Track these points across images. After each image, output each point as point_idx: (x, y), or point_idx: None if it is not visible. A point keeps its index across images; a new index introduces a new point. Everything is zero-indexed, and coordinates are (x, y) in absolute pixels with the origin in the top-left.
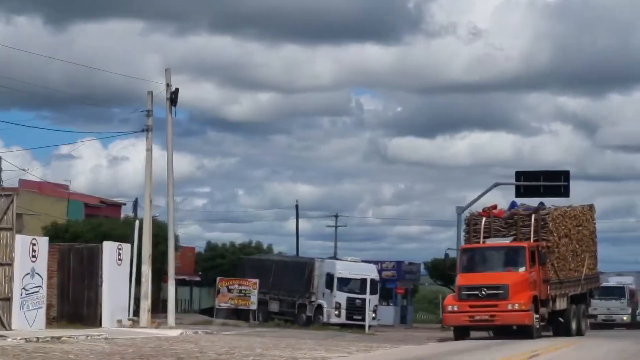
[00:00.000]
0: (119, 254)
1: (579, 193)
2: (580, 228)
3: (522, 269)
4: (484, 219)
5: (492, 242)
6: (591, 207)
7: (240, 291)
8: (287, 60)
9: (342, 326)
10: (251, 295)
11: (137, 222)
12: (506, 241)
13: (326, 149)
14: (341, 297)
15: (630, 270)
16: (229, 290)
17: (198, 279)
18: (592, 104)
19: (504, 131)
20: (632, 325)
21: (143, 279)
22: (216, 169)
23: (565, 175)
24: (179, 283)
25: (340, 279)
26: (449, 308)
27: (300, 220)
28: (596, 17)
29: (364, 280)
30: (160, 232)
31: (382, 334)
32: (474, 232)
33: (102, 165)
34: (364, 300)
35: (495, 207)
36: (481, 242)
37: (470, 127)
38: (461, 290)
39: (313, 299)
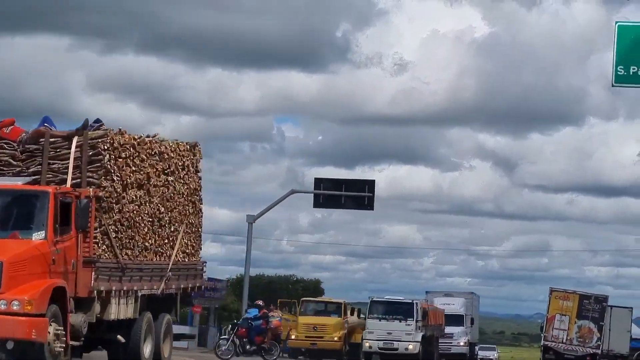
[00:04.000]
0: None
1: (495, 230)
2: (171, 179)
3: (38, 235)
4: None
5: None
6: (194, 148)
7: None
8: (212, 83)
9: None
10: None
11: None
12: (18, 182)
13: (246, 175)
14: None
15: (463, 290)
16: None
17: None
18: (512, 142)
19: (424, 165)
20: (426, 357)
21: None
22: None
23: (370, 185)
24: None
25: None
26: None
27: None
28: (522, 57)
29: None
30: None
31: None
32: None
33: None
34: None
35: (10, 122)
36: None
37: (390, 160)
38: None
39: None
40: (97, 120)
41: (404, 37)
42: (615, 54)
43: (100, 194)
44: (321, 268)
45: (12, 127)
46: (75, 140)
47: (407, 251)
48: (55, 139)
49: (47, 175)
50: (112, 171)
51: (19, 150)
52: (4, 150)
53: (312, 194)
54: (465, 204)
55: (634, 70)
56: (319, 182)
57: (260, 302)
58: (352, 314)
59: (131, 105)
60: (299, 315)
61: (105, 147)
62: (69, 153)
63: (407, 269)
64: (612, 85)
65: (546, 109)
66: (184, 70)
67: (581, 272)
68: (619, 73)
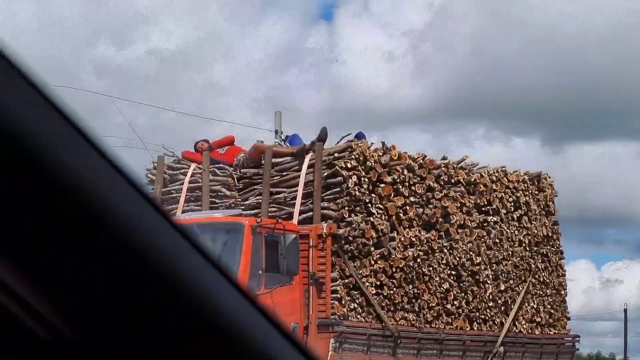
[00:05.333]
0: None
1: None
2: (494, 219)
3: None
4: (193, 165)
5: (190, 217)
6: (539, 180)
7: None
8: None
9: None
10: None
11: None
12: (230, 213)
13: None
14: None
15: None
16: None
17: None
18: None
19: None
20: None
21: None
22: None
23: None
24: None
25: None
26: None
27: None
28: None
29: None
30: None
31: None
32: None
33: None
34: None
35: (229, 141)
36: (179, 213)
37: None
38: None
39: None
40: (359, 135)
41: None
42: None
43: (340, 231)
44: None
45: (228, 147)
46: (307, 158)
47: None
48: (283, 159)
49: (270, 208)
50: (367, 201)
51: (235, 176)
52: (217, 177)
53: None
54: None
55: None
56: None
57: None
58: None
59: None
60: None
61: (349, 166)
62: (299, 176)
63: None
64: None
65: None
66: None
67: None
68: None
